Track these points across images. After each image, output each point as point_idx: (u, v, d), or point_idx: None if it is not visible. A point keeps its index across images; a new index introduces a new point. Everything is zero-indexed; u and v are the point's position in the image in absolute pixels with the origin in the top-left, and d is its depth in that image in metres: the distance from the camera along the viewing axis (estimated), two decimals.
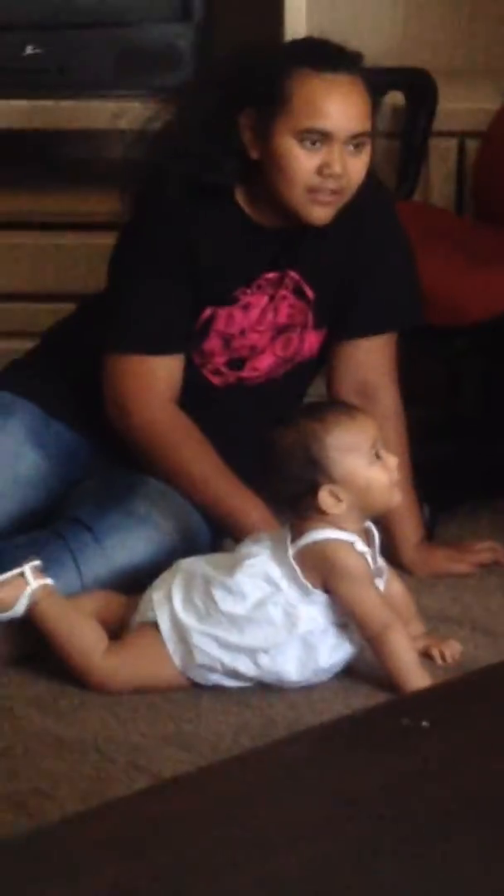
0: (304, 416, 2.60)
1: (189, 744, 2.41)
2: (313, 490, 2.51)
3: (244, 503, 2.82)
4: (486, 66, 3.83)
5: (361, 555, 2.52)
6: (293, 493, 2.55)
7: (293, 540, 2.53)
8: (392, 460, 2.56)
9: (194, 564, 2.60)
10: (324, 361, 3.00)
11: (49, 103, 3.63)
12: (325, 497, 2.50)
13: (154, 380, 2.85)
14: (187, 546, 2.78)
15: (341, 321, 2.94)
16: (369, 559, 2.54)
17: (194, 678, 2.56)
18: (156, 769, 2.29)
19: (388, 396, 2.95)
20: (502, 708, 1.63)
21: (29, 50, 3.63)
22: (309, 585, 2.51)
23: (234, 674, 2.55)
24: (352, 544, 2.51)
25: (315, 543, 2.51)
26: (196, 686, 2.56)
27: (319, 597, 2.52)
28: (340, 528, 2.51)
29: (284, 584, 2.52)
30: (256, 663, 2.53)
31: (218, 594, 2.52)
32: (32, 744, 2.42)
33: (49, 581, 2.59)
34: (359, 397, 2.90)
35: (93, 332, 2.92)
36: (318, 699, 2.52)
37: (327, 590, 2.51)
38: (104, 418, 2.91)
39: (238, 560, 2.57)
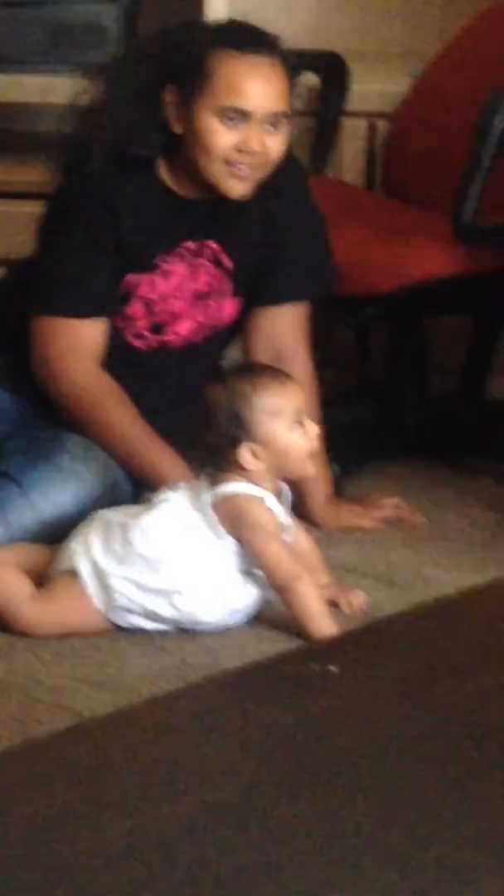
0: (237, 375, 2.61)
1: (110, 686, 2.40)
2: (235, 445, 2.51)
3: (163, 459, 2.81)
4: (397, 51, 3.83)
5: (271, 511, 2.53)
6: (216, 446, 2.55)
7: (209, 489, 2.54)
8: (313, 429, 2.56)
9: (112, 514, 2.60)
10: (240, 328, 3.00)
11: None
12: (244, 454, 2.50)
13: (79, 342, 2.84)
14: (110, 499, 2.77)
15: (258, 290, 2.94)
16: (278, 515, 2.54)
17: (115, 621, 2.56)
18: (78, 709, 2.28)
19: (300, 362, 2.94)
20: (405, 654, 1.63)
21: None
22: (222, 531, 2.52)
23: (152, 615, 2.55)
24: (262, 499, 2.52)
25: (229, 494, 2.52)
26: (118, 630, 2.56)
27: (230, 543, 2.53)
28: (255, 483, 2.52)
29: (199, 527, 2.53)
30: (172, 604, 2.53)
31: (135, 536, 2.52)
32: None
33: None
34: (273, 362, 2.89)
35: (21, 297, 2.90)
36: (231, 644, 2.52)
37: (237, 539, 2.52)
38: (32, 378, 2.89)
39: (155, 503, 2.57)
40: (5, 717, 2.29)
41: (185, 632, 2.55)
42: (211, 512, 2.52)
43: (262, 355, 2.94)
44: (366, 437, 3.34)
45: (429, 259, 3.09)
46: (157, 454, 2.82)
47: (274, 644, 2.44)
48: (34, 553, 2.68)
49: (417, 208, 3.33)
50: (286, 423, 2.53)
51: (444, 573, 2.77)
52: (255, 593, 2.57)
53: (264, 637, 2.54)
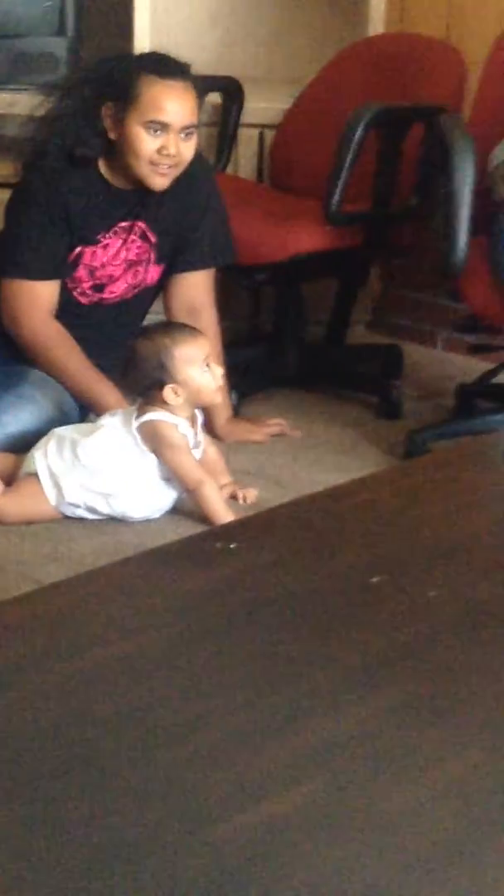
0: (159, 332, 2.58)
1: (64, 561, 2.39)
2: (160, 386, 2.49)
3: (103, 390, 2.80)
4: (282, 76, 3.79)
5: (182, 433, 2.51)
6: (145, 387, 2.53)
7: (137, 416, 2.52)
8: (218, 371, 2.55)
9: (64, 431, 2.58)
10: (161, 288, 2.97)
11: None
12: (168, 392, 2.49)
13: (37, 299, 2.82)
14: (62, 419, 2.76)
15: (176, 259, 2.92)
16: (190, 437, 2.53)
17: (65, 512, 2.55)
18: (38, 578, 2.27)
19: (208, 315, 2.94)
20: (288, 535, 1.63)
21: None
22: (146, 449, 2.50)
23: (93, 510, 2.54)
24: (176, 425, 2.50)
25: (151, 421, 2.50)
26: (66, 519, 2.55)
27: (152, 458, 2.51)
28: (173, 413, 2.50)
29: (129, 445, 2.51)
30: (109, 504, 2.52)
31: (81, 451, 2.50)
32: None
33: None
34: (188, 315, 2.89)
35: None
36: (155, 529, 2.51)
37: (157, 454, 2.51)
38: (2, 328, 2.87)
39: (97, 427, 2.56)
40: None
41: (119, 519, 2.54)
42: (137, 434, 2.50)
43: (178, 309, 2.93)
44: (257, 372, 3.33)
45: (305, 237, 3.08)
46: (99, 387, 2.80)
47: (188, 529, 2.43)
48: (5, 460, 2.66)
49: (296, 198, 3.31)
50: (198, 367, 2.52)
51: (316, 475, 2.78)
52: (173, 494, 2.57)
53: (181, 524, 2.53)
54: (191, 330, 2.59)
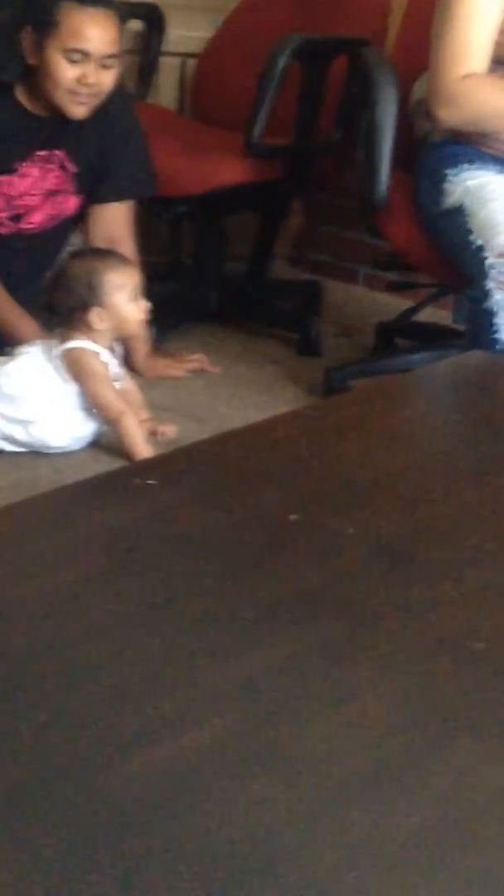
0: (92, 255, 2.58)
1: None
2: (85, 309, 2.47)
3: (21, 323, 2.77)
4: (204, 4, 3.72)
5: (104, 363, 2.49)
6: (70, 308, 2.50)
7: (59, 344, 2.49)
8: (144, 304, 2.54)
9: None
10: (81, 219, 2.93)
11: None
12: (93, 316, 2.47)
13: None
14: None
15: (95, 189, 2.88)
16: (110, 366, 2.51)
17: None
18: None
19: (128, 247, 2.90)
20: (207, 471, 1.62)
21: None
22: (67, 376, 2.48)
23: (11, 439, 2.52)
24: (98, 354, 2.48)
25: (73, 349, 2.49)
26: None
27: (73, 387, 2.49)
28: (95, 341, 2.48)
29: (50, 373, 2.50)
30: (28, 432, 2.51)
31: (1, 378, 2.46)
32: None
33: None
34: (107, 246, 2.85)
35: None
36: (74, 464, 2.50)
37: (78, 383, 2.49)
38: None
39: (16, 354, 2.54)
40: None
41: (38, 454, 2.52)
42: (59, 362, 2.48)
43: (97, 241, 2.89)
44: (177, 307, 3.30)
45: (226, 169, 3.06)
46: (17, 319, 2.77)
47: (108, 465, 2.42)
48: None
49: (218, 129, 3.27)
50: (126, 296, 2.50)
51: (235, 411, 2.78)
52: (93, 426, 2.55)
53: (101, 459, 2.52)
54: (123, 258, 2.58)
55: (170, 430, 2.62)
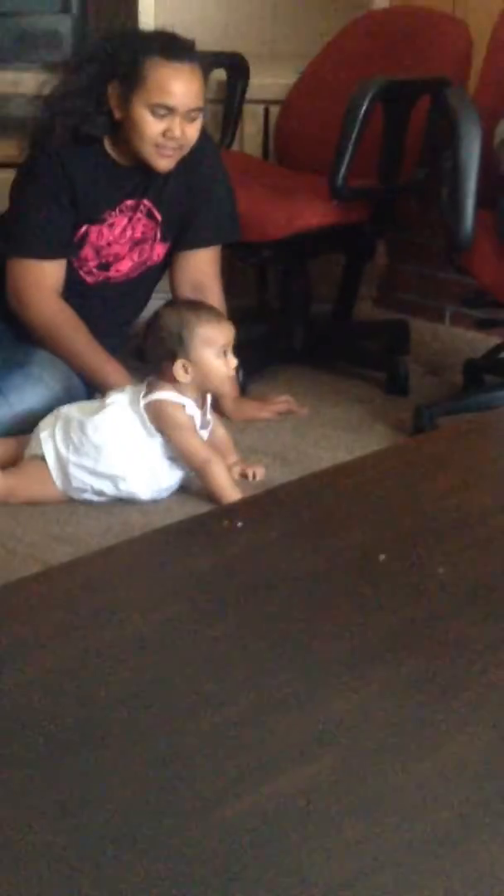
0: (187, 306, 2.57)
1: (71, 541, 2.38)
2: (172, 359, 2.47)
3: (109, 369, 2.80)
4: (285, 52, 3.77)
5: (190, 414, 2.50)
6: (158, 356, 2.50)
7: (145, 395, 2.50)
8: (233, 362, 2.53)
9: (70, 411, 2.56)
10: (167, 266, 2.95)
11: None
12: (178, 367, 2.47)
13: (44, 279, 2.81)
14: (67, 399, 2.75)
15: (181, 236, 2.91)
16: (197, 418, 2.51)
17: (72, 496, 2.53)
18: (47, 559, 2.26)
19: (214, 292, 2.93)
20: (294, 512, 1.62)
21: None
22: (153, 428, 2.49)
23: (100, 493, 2.52)
24: (182, 405, 2.49)
25: (157, 400, 2.49)
26: (72, 501, 2.53)
27: (158, 437, 2.49)
28: (181, 393, 2.49)
29: (136, 424, 2.50)
30: (116, 487, 2.51)
31: (90, 429, 2.49)
32: None
33: None
34: (193, 292, 2.88)
35: None
36: (162, 509, 2.50)
37: (163, 434, 2.49)
38: (7, 307, 2.84)
39: (104, 405, 2.54)
40: None
41: (126, 500, 2.53)
42: (145, 413, 2.49)
43: (184, 287, 2.92)
44: (263, 349, 3.31)
45: (311, 212, 3.06)
46: (106, 367, 2.79)
47: (195, 508, 2.42)
48: (9, 444, 2.65)
49: (301, 174, 3.29)
50: (215, 351, 2.49)
51: (324, 451, 2.77)
52: (179, 473, 2.55)
53: (187, 503, 2.52)
54: (218, 313, 2.58)
55: (259, 472, 2.62)
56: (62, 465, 2.50)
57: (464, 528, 1.56)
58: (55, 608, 1.36)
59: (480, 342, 3.33)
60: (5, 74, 3.44)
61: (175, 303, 2.63)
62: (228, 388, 2.66)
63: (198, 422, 2.52)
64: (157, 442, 2.50)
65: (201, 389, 2.53)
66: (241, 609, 1.36)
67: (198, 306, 2.59)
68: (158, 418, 2.48)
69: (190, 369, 2.48)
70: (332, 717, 1.15)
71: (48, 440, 2.51)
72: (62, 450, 2.49)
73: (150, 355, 2.55)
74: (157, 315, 2.54)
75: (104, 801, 1.02)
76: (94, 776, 1.05)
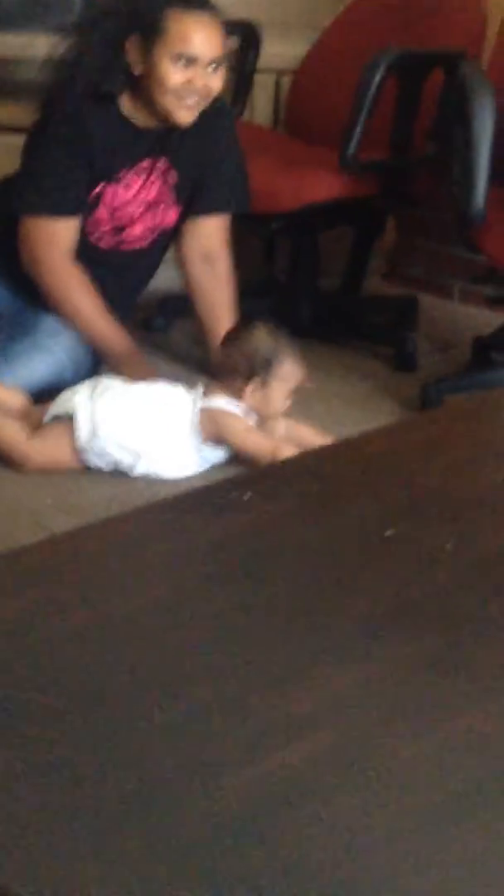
0: (284, 339, 2.58)
1: (76, 510, 2.39)
2: (248, 377, 2.51)
3: (115, 337, 2.80)
4: (298, 21, 3.74)
5: (243, 419, 2.53)
6: (234, 368, 2.53)
7: (204, 396, 2.53)
8: (289, 403, 2.56)
9: (119, 387, 2.56)
10: (176, 233, 2.94)
11: None
12: (249, 387, 2.51)
13: (56, 238, 2.80)
14: (74, 369, 2.77)
15: (193, 201, 2.90)
16: (249, 420, 2.55)
17: (87, 462, 2.53)
18: (51, 527, 2.27)
19: (223, 262, 2.92)
20: (300, 485, 1.62)
21: None
22: (201, 434, 2.51)
23: (117, 464, 2.52)
24: (237, 414, 2.53)
25: (216, 408, 2.52)
26: (78, 472, 2.53)
27: (204, 444, 2.53)
28: (235, 400, 2.52)
29: (186, 425, 2.52)
30: (137, 463, 2.51)
31: (149, 414, 2.52)
32: None
33: None
34: (202, 261, 2.89)
35: (6, 205, 2.84)
36: (170, 480, 2.50)
37: (217, 440, 2.52)
38: (18, 270, 2.84)
39: (164, 396, 2.56)
40: None
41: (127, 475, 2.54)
42: (198, 415, 2.51)
43: (193, 255, 2.92)
44: (270, 322, 3.30)
45: (321, 185, 3.07)
46: (112, 334, 2.80)
47: (203, 480, 2.43)
48: (26, 405, 2.65)
49: (312, 145, 3.28)
50: (285, 389, 2.54)
51: (330, 426, 2.75)
52: (203, 462, 2.56)
53: (193, 477, 2.52)
54: (300, 360, 2.60)
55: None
56: (94, 428, 2.49)
57: (470, 504, 1.56)
58: (58, 577, 1.37)
59: (489, 319, 3.33)
60: (16, 38, 3.42)
61: (271, 327, 2.62)
62: (273, 421, 2.63)
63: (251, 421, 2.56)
64: (196, 443, 2.52)
65: (252, 409, 2.55)
66: (247, 581, 1.36)
67: (292, 343, 2.61)
68: (215, 426, 2.51)
69: (258, 394, 2.51)
70: (337, 691, 1.16)
71: (85, 402, 2.51)
72: (100, 415, 2.49)
73: (226, 363, 2.56)
74: (251, 330, 2.57)
75: (107, 771, 1.03)
76: (97, 747, 1.06)
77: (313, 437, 2.59)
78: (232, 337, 2.62)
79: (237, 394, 2.52)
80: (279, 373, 2.52)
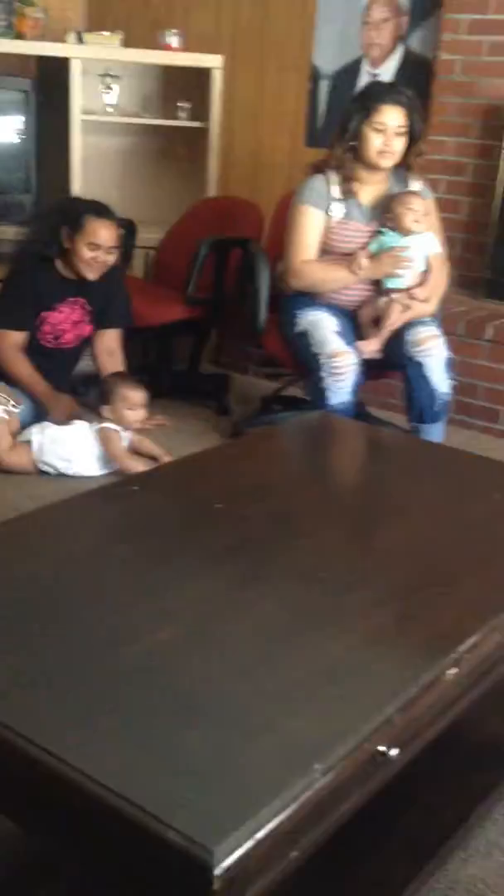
0: (120, 378, 2.57)
1: (36, 498, 2.30)
2: (107, 404, 2.51)
3: (41, 385, 2.71)
4: (158, 218, 3.67)
5: (120, 434, 2.50)
6: (103, 400, 2.53)
7: (98, 423, 2.51)
8: (140, 414, 2.52)
9: (50, 428, 2.53)
10: (91, 339, 2.88)
11: None
12: (105, 412, 2.51)
13: (11, 340, 2.72)
14: (32, 415, 2.67)
15: (101, 320, 2.84)
16: (124, 437, 2.51)
17: (40, 468, 2.49)
18: (21, 508, 2.18)
19: (118, 355, 2.87)
20: (169, 482, 1.60)
21: None
22: (98, 443, 2.48)
23: (56, 469, 2.48)
24: (118, 431, 2.50)
25: (103, 427, 2.50)
26: (39, 474, 2.48)
27: (99, 449, 2.49)
28: (115, 422, 2.49)
29: (90, 438, 2.50)
30: (69, 467, 2.48)
31: (61, 435, 2.48)
32: None
33: None
34: (107, 354, 2.87)
35: None
36: (90, 483, 2.44)
37: (105, 448, 2.48)
38: None
39: (79, 429, 2.52)
40: None
41: (71, 476, 2.48)
42: (96, 434, 2.48)
43: (101, 352, 2.88)
44: (147, 389, 3.24)
45: (173, 311, 3.05)
46: (38, 386, 2.70)
47: (108, 479, 2.37)
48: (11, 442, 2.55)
49: (168, 289, 3.25)
50: (125, 405, 2.52)
51: (182, 448, 2.72)
52: (109, 466, 2.52)
53: (102, 476, 2.47)
54: (138, 384, 2.56)
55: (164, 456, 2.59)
56: (41, 447, 2.47)
57: (266, 487, 1.58)
58: (23, 538, 1.31)
59: (269, 387, 3.36)
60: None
61: (117, 375, 2.62)
62: (134, 429, 2.60)
63: (126, 439, 2.53)
64: (98, 450, 2.48)
65: (112, 422, 2.52)
66: (136, 538, 1.35)
67: (124, 378, 2.59)
68: (105, 439, 2.49)
69: (109, 413, 2.51)
70: (186, 599, 1.15)
71: (38, 433, 2.49)
72: (45, 442, 2.47)
73: (97, 400, 2.55)
74: (106, 381, 2.54)
75: (73, 643, 1.00)
76: (68, 635, 1.03)
77: (152, 448, 2.59)
78: (100, 385, 2.62)
79: (110, 419, 2.49)
80: (117, 396, 2.51)
